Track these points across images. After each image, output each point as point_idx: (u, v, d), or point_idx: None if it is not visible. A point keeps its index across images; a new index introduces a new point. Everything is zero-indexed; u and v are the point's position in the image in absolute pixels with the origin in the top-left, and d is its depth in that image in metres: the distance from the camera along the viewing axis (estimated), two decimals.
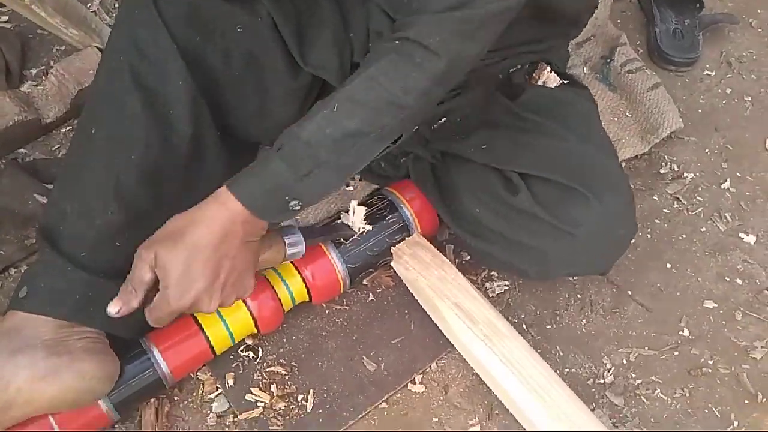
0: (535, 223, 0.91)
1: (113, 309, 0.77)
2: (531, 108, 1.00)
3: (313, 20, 0.97)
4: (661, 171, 1.25)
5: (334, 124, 0.76)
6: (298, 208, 0.79)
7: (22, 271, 1.04)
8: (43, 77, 1.23)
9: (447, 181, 1.01)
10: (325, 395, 0.97)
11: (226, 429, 0.94)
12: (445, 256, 1.02)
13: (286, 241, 0.89)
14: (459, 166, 1.00)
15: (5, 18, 1.33)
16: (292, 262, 0.97)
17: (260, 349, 1.00)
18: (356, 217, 0.99)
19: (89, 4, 1.36)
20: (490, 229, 0.95)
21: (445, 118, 1.03)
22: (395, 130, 0.80)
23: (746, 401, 1.01)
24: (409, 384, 0.99)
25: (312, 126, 0.76)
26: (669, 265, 1.14)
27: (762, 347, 1.06)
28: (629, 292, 1.10)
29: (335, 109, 0.76)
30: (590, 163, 0.93)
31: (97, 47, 1.22)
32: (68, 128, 1.20)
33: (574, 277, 1.09)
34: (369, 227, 1.00)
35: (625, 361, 1.04)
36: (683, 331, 1.07)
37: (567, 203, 0.90)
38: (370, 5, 0.98)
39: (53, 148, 1.18)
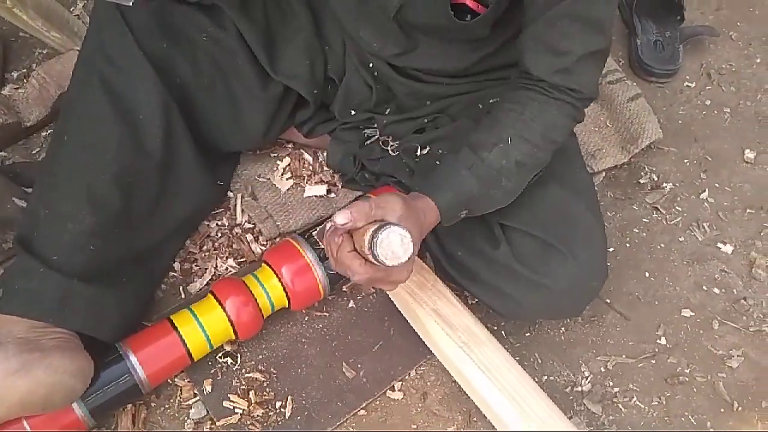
0: (513, 275, 0.93)
1: (341, 219, 0.74)
2: None
3: (286, 30, 0.99)
4: (641, 181, 1.26)
5: (508, 155, 0.87)
6: (462, 216, 0.88)
7: (0, 274, 1.03)
8: (25, 80, 1.23)
9: None
10: (304, 402, 0.97)
11: None
12: (425, 262, 1.03)
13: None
14: None
15: None
16: (271, 267, 0.97)
17: (239, 355, 1.00)
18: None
19: (72, 8, 1.35)
20: (471, 271, 0.97)
21: (428, 148, 1.04)
22: (543, 163, 0.91)
23: (722, 410, 1.02)
24: (388, 391, 0.99)
25: (495, 153, 0.87)
26: (647, 274, 1.15)
27: (738, 356, 1.07)
28: (608, 301, 1.11)
29: (509, 142, 0.87)
30: (568, 214, 0.95)
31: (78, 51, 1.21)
32: (49, 132, 1.19)
33: None
34: None
35: (602, 369, 1.04)
36: (661, 340, 1.08)
37: (544, 259, 0.93)
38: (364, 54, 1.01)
39: (33, 152, 1.17)
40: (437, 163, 0.98)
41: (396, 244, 0.73)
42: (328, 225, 0.80)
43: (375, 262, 0.74)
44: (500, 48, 0.99)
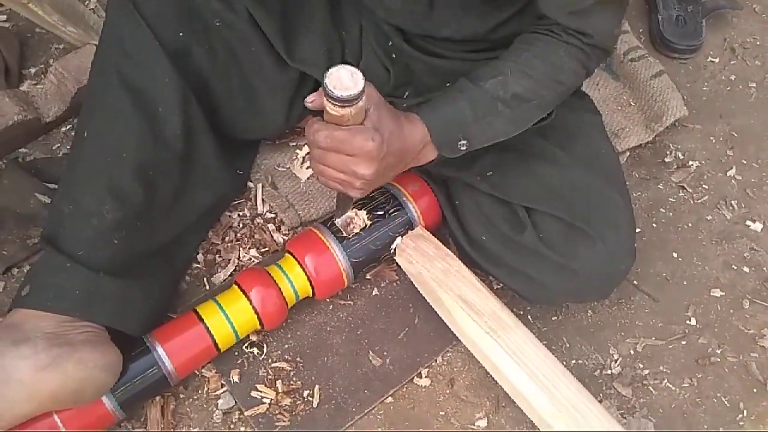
0: (539, 258, 0.92)
1: (309, 99, 0.78)
2: (536, 129, 0.99)
3: (302, 16, 0.97)
4: (666, 159, 1.24)
5: (505, 86, 0.86)
6: (464, 149, 0.87)
7: (25, 270, 1.04)
8: (43, 76, 1.23)
9: (455, 202, 1.02)
10: (331, 390, 0.97)
11: (232, 426, 0.94)
12: (449, 248, 1.02)
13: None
14: (466, 193, 1.00)
15: (3, 17, 1.33)
16: (294, 257, 0.96)
17: (265, 345, 1.00)
18: (357, 221, 0.99)
19: (87, 2, 1.35)
20: (496, 256, 0.96)
21: None
22: (551, 103, 0.90)
23: (755, 390, 1.00)
24: (415, 378, 0.99)
25: (492, 82, 0.86)
26: (675, 255, 1.13)
27: None
28: (635, 282, 1.09)
29: (508, 74, 0.86)
30: (595, 197, 0.94)
31: (95, 45, 1.21)
32: (68, 127, 1.19)
33: None
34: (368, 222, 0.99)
35: (632, 352, 1.03)
36: (690, 321, 1.06)
37: (571, 242, 0.91)
38: (378, 24, 0.99)
39: (54, 147, 1.17)
40: None
41: (346, 78, 0.71)
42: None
43: (330, 106, 0.73)
44: (517, 13, 0.95)
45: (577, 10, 0.84)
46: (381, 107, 0.79)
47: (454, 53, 1.01)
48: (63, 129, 1.19)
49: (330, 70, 0.71)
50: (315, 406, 0.95)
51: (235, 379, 0.97)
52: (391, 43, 1.01)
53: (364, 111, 0.77)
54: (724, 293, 1.09)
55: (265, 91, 0.99)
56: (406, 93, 1.07)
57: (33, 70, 1.27)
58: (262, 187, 1.13)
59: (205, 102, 0.94)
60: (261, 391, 0.96)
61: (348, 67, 0.72)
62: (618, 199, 0.95)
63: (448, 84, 0.99)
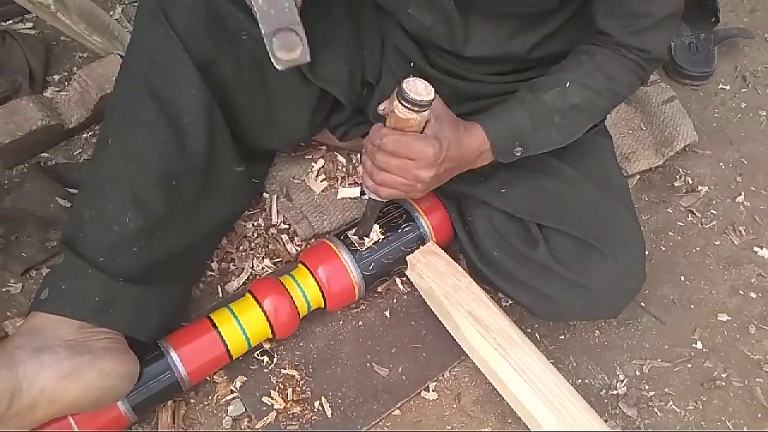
0: (551, 275, 0.94)
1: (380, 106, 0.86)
2: None
3: (325, 35, 0.99)
4: (676, 184, 1.25)
5: (564, 97, 0.90)
6: (518, 155, 0.92)
7: (44, 273, 1.06)
8: (66, 83, 1.26)
9: (468, 218, 1.03)
10: (339, 401, 0.98)
11: None
12: (459, 265, 1.03)
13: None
14: (479, 209, 1.01)
15: (30, 24, 1.36)
16: (308, 268, 0.98)
17: (275, 353, 1.01)
18: (371, 234, 1.00)
19: (112, 12, 1.38)
20: (507, 272, 0.97)
21: None
22: (603, 112, 0.95)
23: (759, 415, 1.01)
24: (423, 391, 1.00)
25: (551, 93, 0.91)
26: (683, 278, 1.14)
27: None
28: (642, 304, 1.10)
29: (567, 86, 0.90)
30: (606, 215, 0.96)
31: (119, 54, 1.24)
32: (90, 133, 1.22)
33: None
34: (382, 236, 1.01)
35: (638, 373, 1.04)
36: (696, 344, 1.07)
37: (583, 259, 0.93)
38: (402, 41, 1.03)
39: (75, 153, 1.20)
40: None
41: (420, 87, 0.79)
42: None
43: (402, 110, 0.81)
44: (555, 32, 0.97)
45: (637, 29, 0.89)
46: (443, 117, 0.86)
47: (477, 75, 1.02)
48: (84, 135, 1.22)
49: (407, 79, 0.79)
50: (324, 415, 0.96)
51: (246, 386, 0.98)
52: (412, 64, 1.02)
53: (426, 121, 0.84)
54: (730, 318, 1.10)
55: (287, 104, 1.01)
56: None
57: (57, 77, 1.30)
58: (277, 198, 1.15)
59: (227, 113, 0.96)
60: (271, 399, 0.97)
61: (421, 79, 0.80)
62: (628, 218, 0.96)
63: (467, 103, 1.01)
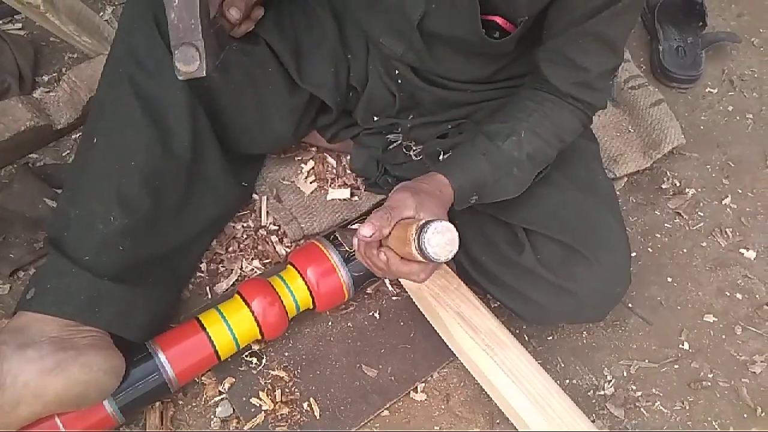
0: (537, 279, 0.94)
1: (367, 231, 0.79)
2: None
3: (312, 39, 1.00)
4: (663, 186, 1.26)
5: (520, 147, 0.91)
6: (472, 202, 0.92)
7: (31, 274, 1.05)
8: (55, 84, 1.25)
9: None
10: (328, 402, 0.98)
11: None
12: (448, 266, 1.03)
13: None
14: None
15: (19, 25, 1.36)
16: (297, 269, 0.98)
17: (264, 355, 1.01)
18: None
19: (101, 13, 1.38)
20: (494, 275, 0.98)
21: (450, 153, 1.05)
22: (551, 160, 0.95)
23: (745, 415, 1.02)
24: (411, 392, 1.00)
25: (508, 143, 0.90)
26: (669, 279, 1.15)
27: (761, 362, 1.07)
28: (630, 305, 1.11)
29: (522, 135, 0.91)
30: (592, 219, 0.96)
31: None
32: (79, 134, 1.22)
33: None
34: None
35: (625, 374, 1.05)
36: (683, 345, 1.08)
37: (568, 264, 0.93)
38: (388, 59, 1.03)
39: (64, 154, 1.19)
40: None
41: (442, 241, 0.75)
42: (355, 242, 0.86)
43: (413, 249, 0.77)
44: (517, 58, 1.01)
45: (580, 81, 0.91)
46: (424, 203, 0.82)
47: (459, 85, 1.04)
48: (74, 136, 1.21)
49: (424, 239, 0.74)
50: (312, 416, 0.97)
51: (234, 387, 0.98)
52: (397, 72, 1.03)
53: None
54: (717, 319, 1.11)
55: (276, 109, 1.01)
56: (411, 116, 1.09)
57: (46, 78, 1.29)
58: (267, 199, 1.15)
59: (214, 116, 0.96)
60: (259, 400, 0.97)
61: (435, 225, 0.75)
62: (614, 223, 0.97)
63: (453, 110, 1.02)
